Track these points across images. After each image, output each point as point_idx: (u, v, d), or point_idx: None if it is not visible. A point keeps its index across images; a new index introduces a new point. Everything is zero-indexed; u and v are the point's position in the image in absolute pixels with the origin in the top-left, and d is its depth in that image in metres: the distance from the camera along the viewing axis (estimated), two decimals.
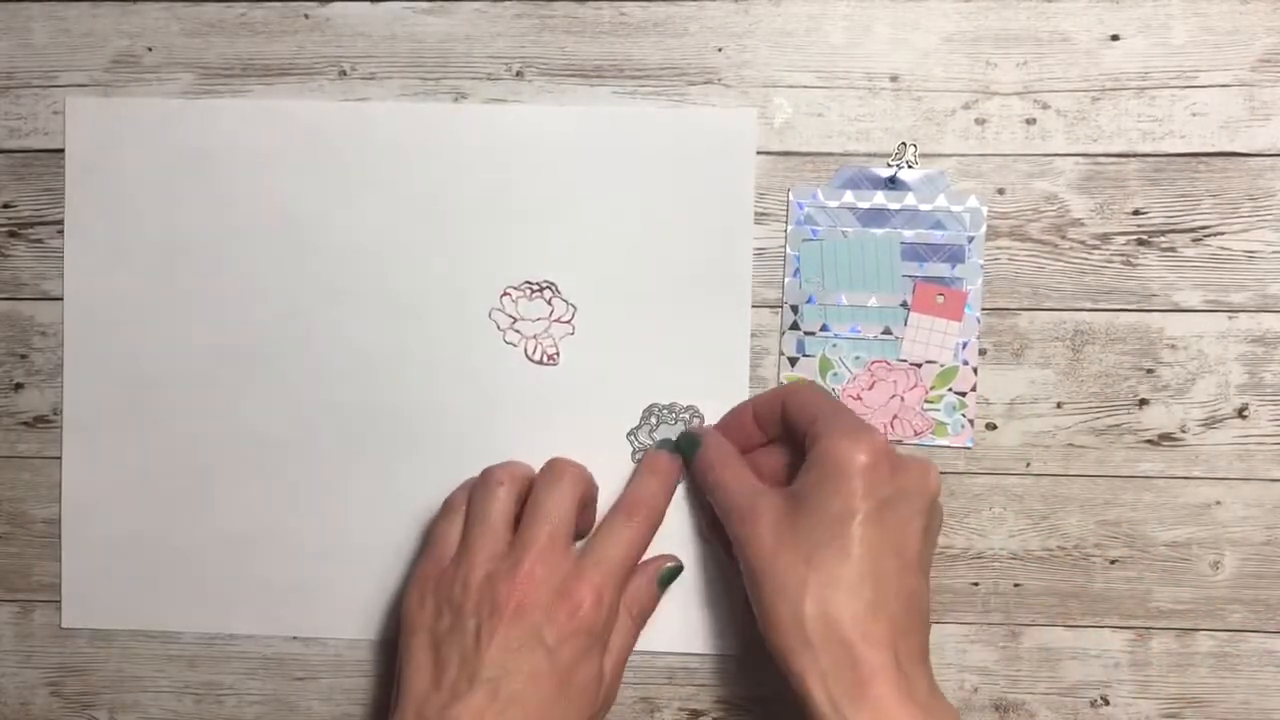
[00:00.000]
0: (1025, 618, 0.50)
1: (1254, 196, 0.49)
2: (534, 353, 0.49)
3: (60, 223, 0.51)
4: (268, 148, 0.49)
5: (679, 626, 0.50)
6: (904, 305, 0.49)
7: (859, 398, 0.49)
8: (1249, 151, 0.49)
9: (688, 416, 0.49)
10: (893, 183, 0.48)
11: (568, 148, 0.49)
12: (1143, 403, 0.49)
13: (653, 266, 0.49)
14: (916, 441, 0.49)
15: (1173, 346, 0.49)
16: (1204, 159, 0.49)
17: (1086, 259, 0.49)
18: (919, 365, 0.49)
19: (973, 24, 0.49)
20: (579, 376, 0.49)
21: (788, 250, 0.49)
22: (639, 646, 0.49)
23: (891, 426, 0.49)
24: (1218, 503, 0.49)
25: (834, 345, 0.49)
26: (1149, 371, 0.49)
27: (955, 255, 0.49)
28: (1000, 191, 0.49)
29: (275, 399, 0.50)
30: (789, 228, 0.49)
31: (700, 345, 0.49)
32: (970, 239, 0.48)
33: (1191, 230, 0.49)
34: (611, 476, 0.49)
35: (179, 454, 0.50)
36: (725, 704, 0.51)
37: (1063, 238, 0.49)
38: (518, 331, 0.49)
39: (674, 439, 0.49)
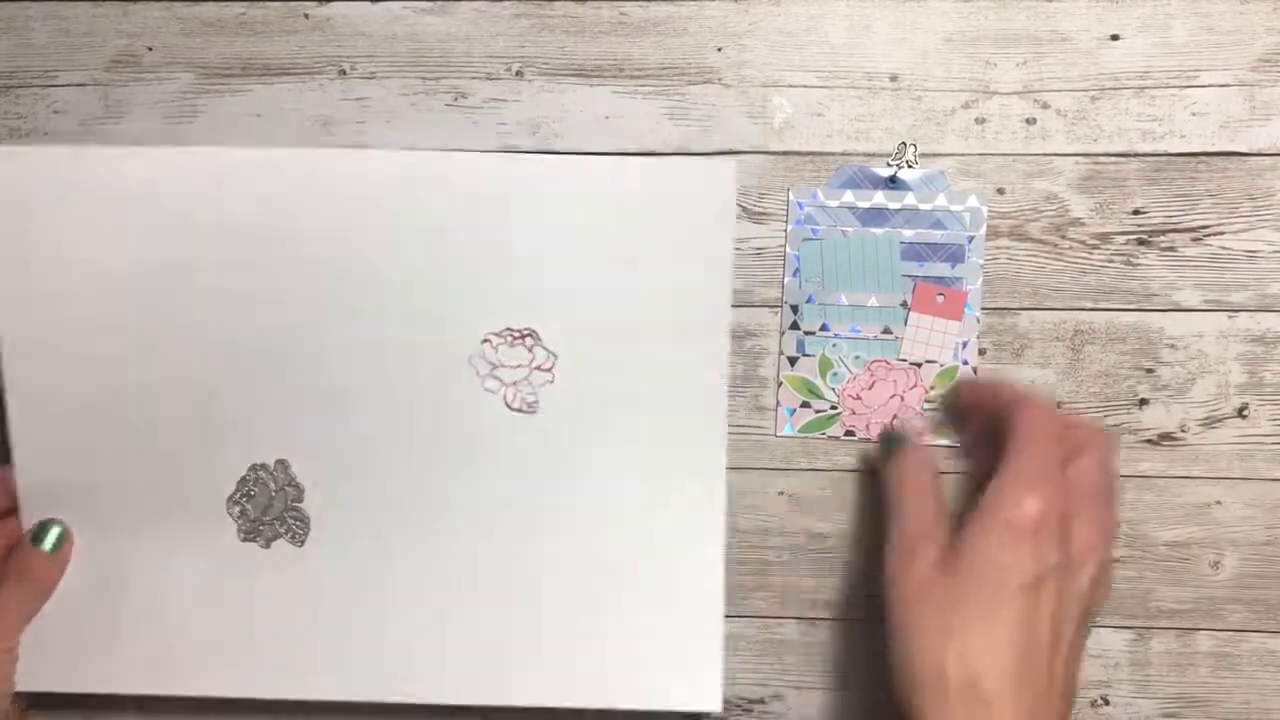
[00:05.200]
0: None
1: (1254, 196, 0.49)
2: (513, 400, 0.48)
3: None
4: (216, 188, 0.48)
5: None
6: (904, 305, 0.49)
7: (859, 397, 0.49)
8: (1249, 151, 0.49)
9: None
10: (893, 182, 0.48)
11: (553, 195, 0.48)
12: (1143, 402, 0.49)
13: (633, 315, 0.48)
14: (915, 441, 0.48)
15: (1173, 346, 0.49)
16: (1204, 159, 0.49)
17: (1087, 259, 0.49)
18: (919, 365, 0.49)
19: (973, 24, 0.49)
20: (558, 424, 0.48)
21: (788, 250, 0.49)
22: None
23: (891, 426, 0.49)
24: (1218, 502, 0.49)
25: (834, 345, 0.49)
26: (1149, 371, 0.49)
27: (955, 255, 0.48)
28: (1000, 191, 0.49)
29: (240, 438, 0.49)
30: (789, 227, 0.49)
31: (678, 392, 0.48)
32: (970, 238, 0.48)
33: (1191, 230, 0.49)
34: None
35: (130, 494, 0.49)
36: (725, 704, 0.51)
37: (1063, 237, 0.49)
38: (497, 378, 0.48)
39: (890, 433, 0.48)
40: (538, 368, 0.48)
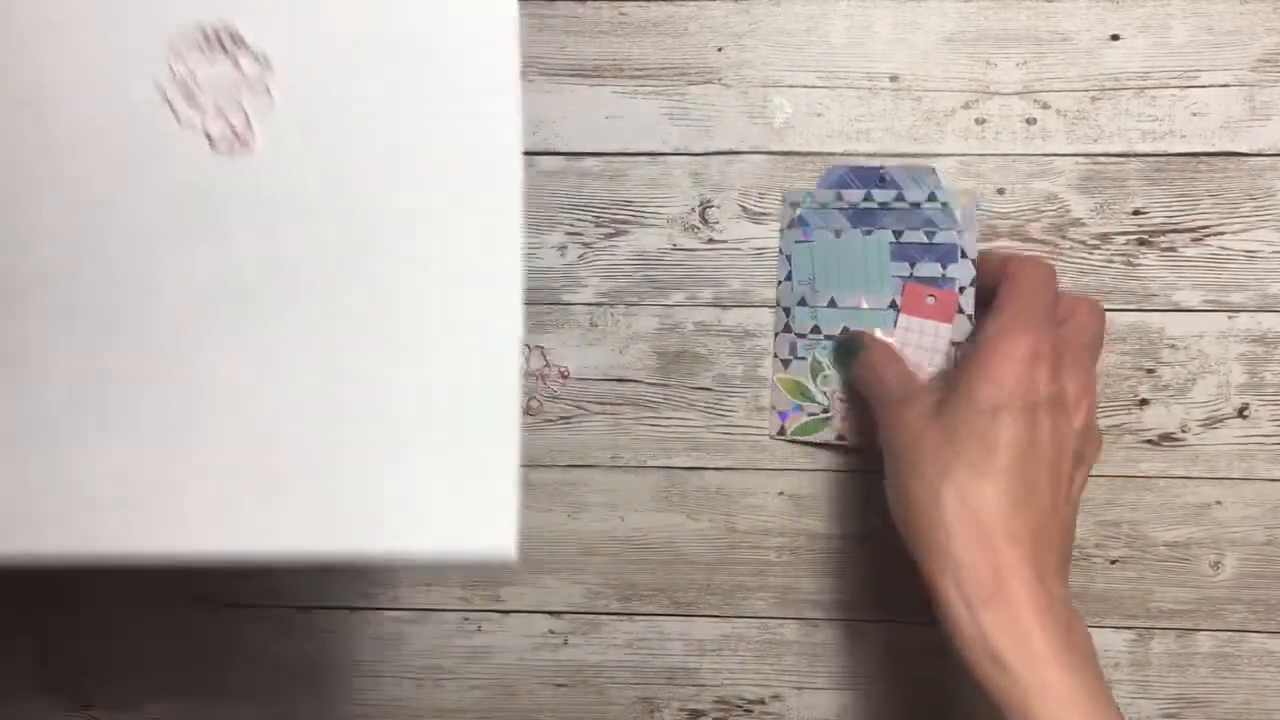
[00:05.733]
0: None
1: (1254, 196, 0.49)
2: (217, 134, 0.33)
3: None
4: None
5: None
6: (893, 306, 0.48)
7: (847, 400, 0.49)
8: (1249, 151, 0.49)
9: None
10: (881, 181, 0.48)
11: None
12: (1143, 403, 0.49)
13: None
14: None
15: (1173, 346, 0.49)
16: (1204, 159, 0.49)
17: (1087, 259, 0.49)
18: None
19: (973, 24, 0.49)
20: (283, 169, 0.33)
21: (780, 252, 0.49)
22: (642, 643, 0.48)
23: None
24: (1218, 503, 0.49)
25: (824, 347, 0.49)
26: (1149, 371, 0.49)
27: (947, 255, 0.48)
28: (1000, 191, 0.49)
29: None
30: (781, 230, 0.49)
31: (456, 130, 0.33)
32: (961, 233, 0.48)
33: (1192, 230, 0.49)
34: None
35: None
36: (725, 704, 0.51)
37: (1063, 238, 0.49)
38: (195, 105, 0.33)
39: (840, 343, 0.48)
40: (247, 85, 0.33)
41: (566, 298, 0.50)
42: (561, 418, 0.51)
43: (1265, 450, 0.49)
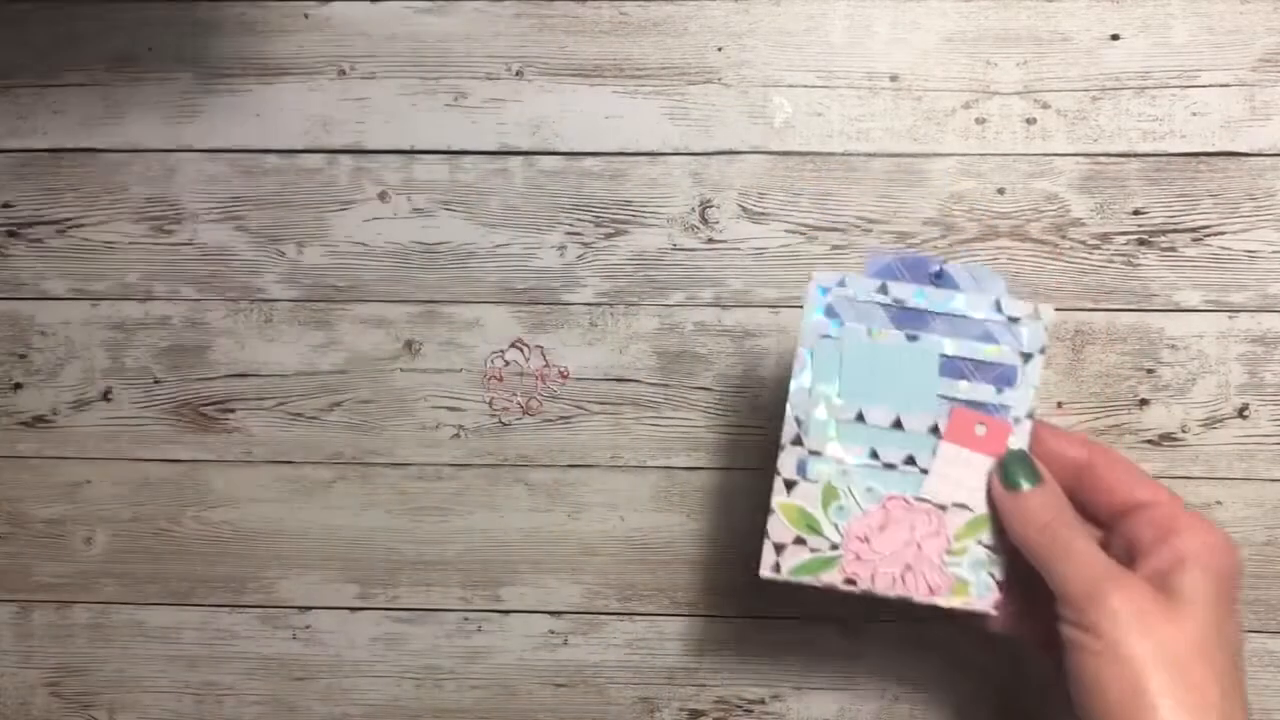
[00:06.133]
0: None
1: (1254, 196, 0.49)
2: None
3: (60, 222, 0.51)
4: None
5: None
6: (934, 431, 0.40)
7: (866, 539, 0.40)
8: (1249, 151, 0.49)
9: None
10: (939, 278, 0.40)
11: None
12: (1143, 403, 0.49)
13: None
14: (927, 600, 0.40)
15: (1173, 346, 0.49)
16: (1204, 159, 0.49)
17: (1087, 259, 0.49)
18: (943, 508, 0.40)
19: (973, 24, 0.49)
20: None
21: (799, 348, 0.41)
22: (642, 643, 0.48)
23: (901, 580, 0.40)
24: (1218, 502, 0.49)
25: (843, 472, 0.40)
26: (1149, 371, 0.49)
27: (1005, 377, 0.40)
28: (1000, 191, 0.49)
29: None
30: (804, 319, 0.41)
31: None
32: (1026, 358, 0.40)
33: (1192, 230, 0.49)
34: None
35: None
36: (725, 704, 0.51)
37: (1063, 237, 0.49)
38: None
39: (1008, 465, 0.39)
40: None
41: (566, 298, 0.50)
42: (561, 418, 0.51)
43: (1265, 450, 0.49)
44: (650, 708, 0.51)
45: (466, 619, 0.52)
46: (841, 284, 0.41)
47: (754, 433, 0.50)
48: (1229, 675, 0.36)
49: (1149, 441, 0.49)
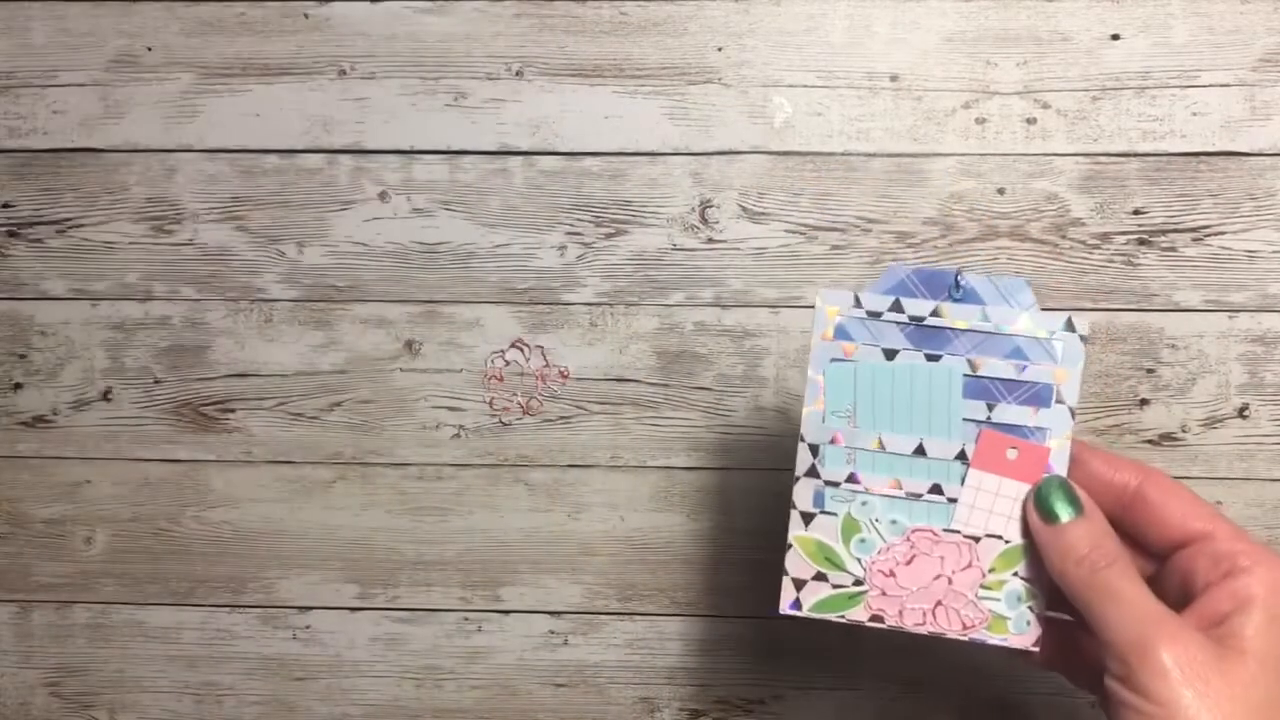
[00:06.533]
0: None
1: (1254, 196, 0.49)
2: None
3: (60, 222, 0.51)
4: None
5: None
6: (962, 457, 0.37)
7: (892, 574, 0.38)
8: (1249, 151, 0.49)
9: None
10: (956, 289, 0.37)
11: None
12: (1143, 402, 0.49)
13: None
14: (962, 637, 0.38)
15: (1173, 346, 0.49)
16: (1204, 159, 0.49)
17: (1087, 258, 0.49)
18: (976, 539, 0.37)
19: (973, 24, 0.49)
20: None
21: (809, 371, 0.38)
22: (642, 643, 0.48)
23: (933, 616, 0.38)
24: (1217, 502, 0.49)
25: (864, 503, 0.38)
26: (1149, 371, 0.49)
27: (1039, 397, 0.37)
28: (1000, 191, 0.49)
29: None
30: (813, 342, 0.38)
31: None
32: (1062, 375, 0.37)
33: (1192, 230, 0.49)
34: None
35: None
36: (725, 704, 0.51)
37: (1063, 237, 0.49)
38: None
39: (1045, 494, 0.36)
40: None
41: (566, 298, 0.50)
42: (561, 418, 0.51)
43: (1265, 450, 0.49)
44: (650, 708, 0.51)
45: (466, 619, 0.52)
46: (852, 302, 0.38)
47: (754, 433, 0.50)
48: None
49: (1149, 441, 0.49)
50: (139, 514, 0.52)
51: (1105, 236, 0.49)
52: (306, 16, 0.50)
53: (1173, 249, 0.49)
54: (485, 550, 0.51)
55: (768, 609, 0.51)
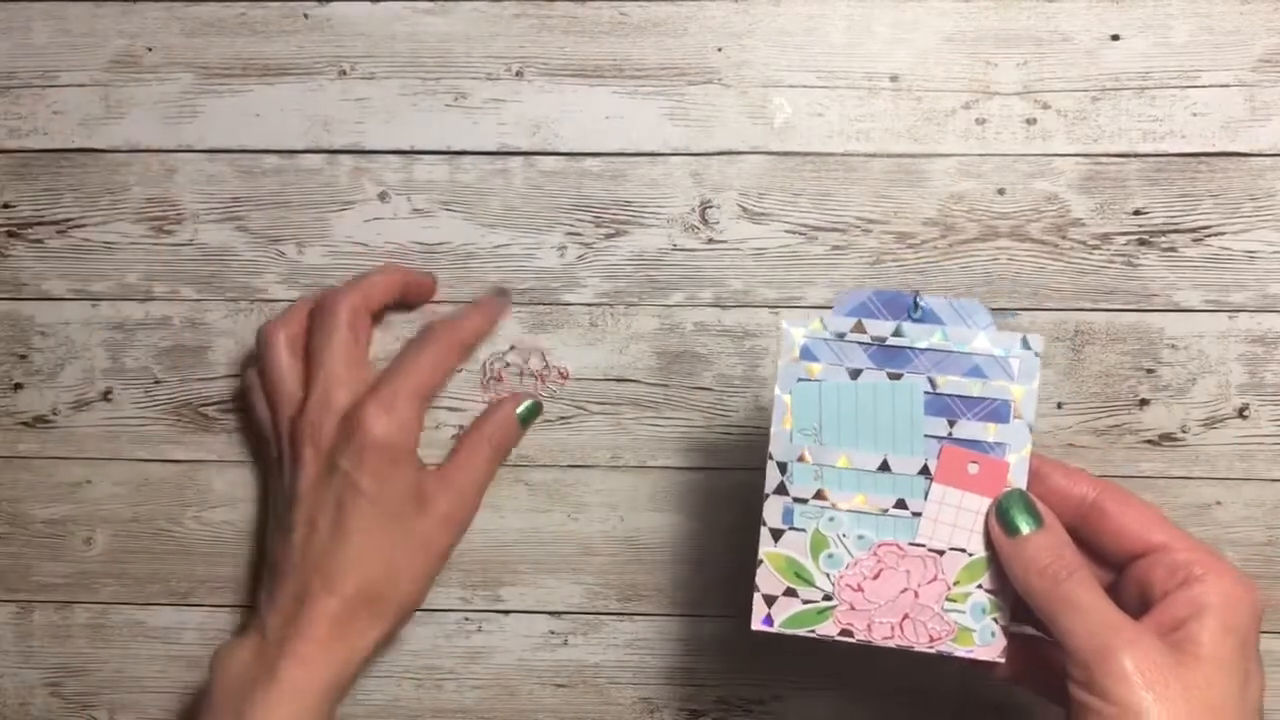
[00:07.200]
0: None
1: (1254, 196, 0.49)
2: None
3: (60, 222, 0.51)
4: None
5: None
6: (925, 473, 0.39)
7: (860, 589, 0.39)
8: (1250, 151, 0.49)
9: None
10: (918, 311, 0.39)
11: None
12: (1143, 403, 0.49)
13: None
14: (932, 649, 0.39)
15: (1173, 346, 0.49)
16: (1205, 159, 0.49)
17: (1087, 259, 0.49)
18: (940, 553, 0.39)
19: (973, 24, 0.49)
20: None
21: (777, 392, 0.39)
22: (642, 643, 0.48)
23: (900, 629, 0.39)
24: (1218, 503, 0.49)
25: (831, 519, 0.39)
26: (1149, 371, 0.49)
27: (997, 413, 0.38)
28: (1000, 191, 0.49)
29: None
30: (780, 363, 0.39)
31: None
32: (1018, 391, 0.39)
33: (1192, 230, 0.49)
34: None
35: None
36: (725, 704, 0.51)
37: (1063, 238, 0.49)
38: None
39: (1006, 508, 0.38)
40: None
41: (566, 298, 0.50)
42: (561, 418, 0.51)
43: (1265, 450, 0.49)
44: (650, 708, 0.51)
45: (467, 619, 0.52)
46: (817, 324, 0.39)
47: (754, 433, 0.50)
48: None
49: (1149, 441, 0.49)
50: (139, 514, 0.52)
51: (1105, 237, 0.49)
52: (306, 16, 0.50)
53: (1173, 249, 0.49)
54: (485, 550, 0.51)
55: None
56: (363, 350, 0.47)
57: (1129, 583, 0.37)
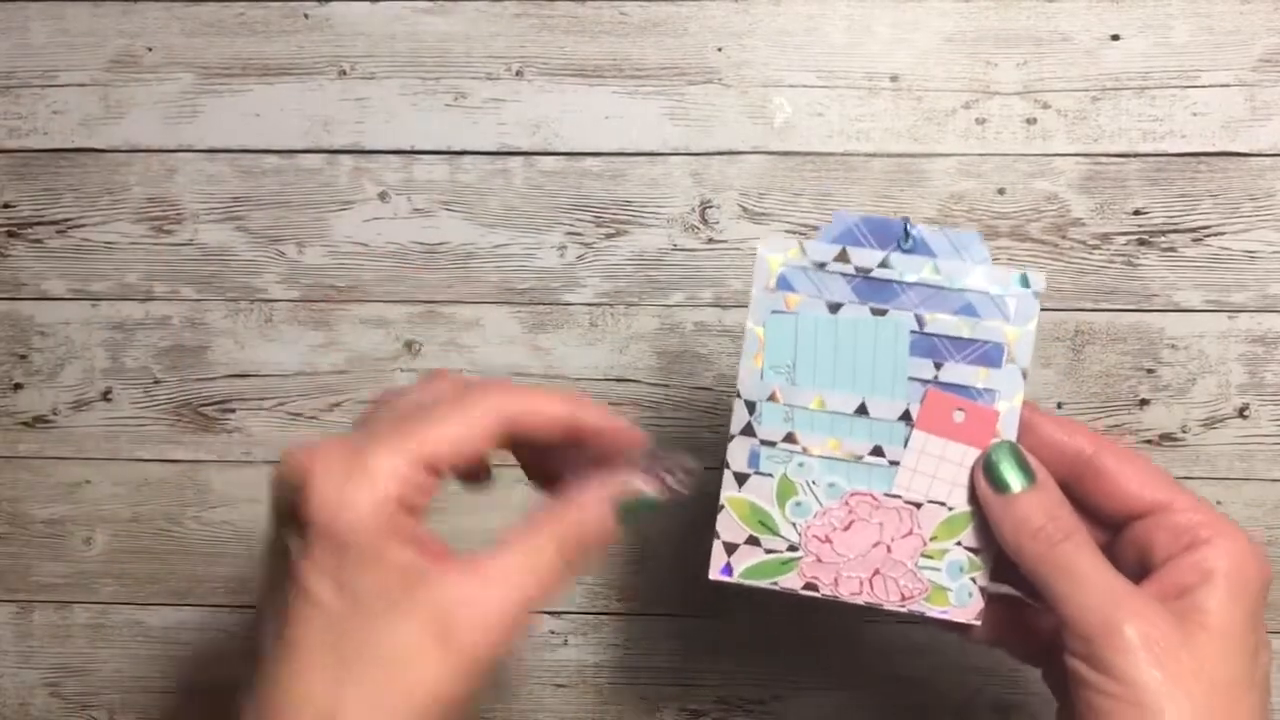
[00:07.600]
0: None
1: (1254, 196, 0.49)
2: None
3: (60, 222, 0.51)
4: None
5: None
6: (906, 418, 0.35)
7: (828, 540, 0.36)
8: (1249, 151, 0.49)
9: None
10: (908, 241, 0.35)
11: None
12: (1143, 403, 0.49)
13: None
14: (900, 608, 0.36)
15: (1173, 346, 0.49)
16: (1204, 159, 0.49)
17: (1087, 259, 0.49)
18: (917, 505, 0.35)
19: (973, 24, 0.49)
20: None
21: (748, 324, 0.36)
22: (642, 643, 0.48)
23: (869, 585, 0.36)
24: (1217, 503, 0.49)
25: (801, 464, 0.36)
26: (1149, 371, 0.49)
27: (989, 357, 0.35)
28: (1000, 191, 0.49)
29: None
30: (754, 292, 0.35)
31: None
32: (1014, 334, 0.35)
33: (1192, 230, 0.49)
34: None
35: None
36: (725, 704, 0.51)
37: (1063, 238, 0.49)
38: None
39: (995, 462, 0.34)
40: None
41: (566, 298, 0.50)
42: None
43: (1265, 450, 0.49)
44: (650, 708, 0.51)
45: None
46: (796, 250, 0.35)
47: None
48: (1259, 716, 0.31)
49: (1149, 441, 0.49)
50: (139, 514, 0.52)
51: (1105, 237, 0.49)
52: (306, 16, 0.50)
53: (1173, 249, 0.49)
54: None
55: (767, 607, 0.51)
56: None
57: (1126, 545, 0.34)
